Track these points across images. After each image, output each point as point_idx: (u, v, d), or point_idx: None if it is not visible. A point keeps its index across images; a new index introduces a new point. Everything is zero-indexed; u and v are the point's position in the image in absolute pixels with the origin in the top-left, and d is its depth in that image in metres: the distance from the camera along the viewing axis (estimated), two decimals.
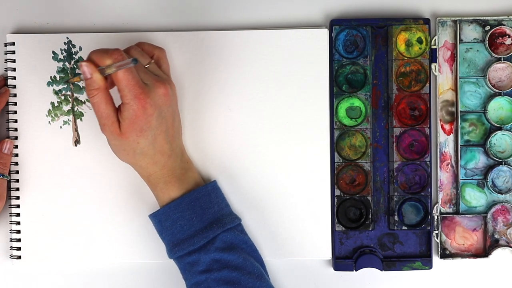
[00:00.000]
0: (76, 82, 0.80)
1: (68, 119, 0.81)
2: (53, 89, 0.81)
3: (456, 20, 0.82)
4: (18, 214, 0.81)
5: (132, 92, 0.70)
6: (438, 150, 0.82)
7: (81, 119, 0.81)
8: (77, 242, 0.81)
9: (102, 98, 0.71)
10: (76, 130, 0.81)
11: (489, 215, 0.82)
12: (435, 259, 0.82)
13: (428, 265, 0.82)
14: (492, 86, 0.82)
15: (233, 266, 0.73)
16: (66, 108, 0.81)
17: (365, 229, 0.81)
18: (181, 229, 0.74)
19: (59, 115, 0.81)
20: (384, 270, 0.82)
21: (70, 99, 0.81)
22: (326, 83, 0.81)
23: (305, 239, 0.81)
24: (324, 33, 0.81)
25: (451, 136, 0.82)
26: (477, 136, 0.82)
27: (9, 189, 0.81)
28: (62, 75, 0.81)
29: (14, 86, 0.81)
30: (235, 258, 0.73)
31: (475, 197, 0.83)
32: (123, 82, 0.70)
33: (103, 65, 0.71)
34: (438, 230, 0.82)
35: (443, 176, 0.82)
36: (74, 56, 0.81)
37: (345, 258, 0.82)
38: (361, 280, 0.83)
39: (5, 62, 0.81)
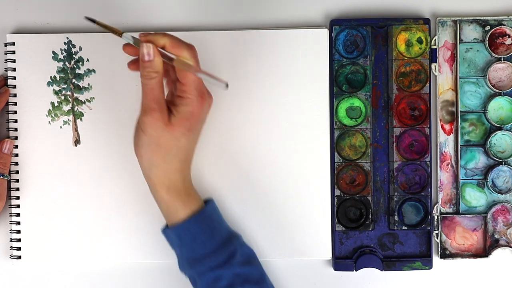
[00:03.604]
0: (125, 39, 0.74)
1: (68, 119, 0.81)
2: (53, 89, 0.81)
3: (456, 20, 0.82)
4: (18, 214, 0.81)
5: (198, 90, 0.70)
6: (438, 150, 0.82)
7: (81, 119, 0.81)
8: (77, 242, 0.81)
9: (159, 83, 0.69)
10: (76, 130, 0.81)
11: (489, 215, 0.82)
12: (435, 259, 0.82)
13: (428, 265, 0.82)
14: (492, 86, 0.82)
15: (254, 280, 0.72)
16: (66, 108, 0.81)
17: (365, 229, 0.81)
18: (203, 244, 0.72)
19: (59, 115, 0.81)
20: (384, 270, 0.82)
21: (70, 99, 0.81)
22: (326, 83, 0.81)
23: (305, 239, 0.81)
24: (324, 33, 0.81)
25: (451, 136, 0.82)
26: (477, 136, 0.82)
27: (9, 189, 0.81)
28: (62, 75, 0.81)
29: (14, 86, 0.81)
30: (253, 271, 0.73)
31: (475, 197, 0.83)
32: (193, 77, 0.69)
33: (175, 53, 0.69)
34: (438, 230, 0.82)
35: (443, 176, 0.82)
36: (74, 56, 0.81)
37: (345, 258, 0.82)
38: (361, 280, 0.83)
39: (5, 62, 0.81)
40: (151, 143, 0.70)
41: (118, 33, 0.71)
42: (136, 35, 0.72)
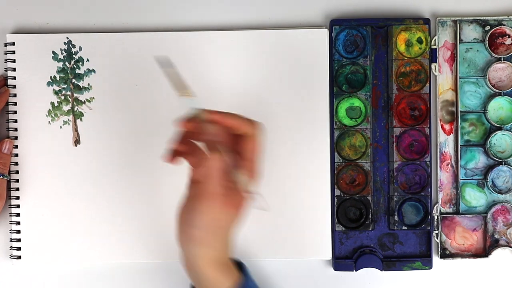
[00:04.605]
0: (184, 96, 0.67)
1: (68, 119, 0.81)
2: (53, 89, 0.81)
3: (456, 20, 0.82)
4: (18, 214, 0.81)
5: (256, 163, 0.66)
6: (438, 150, 0.82)
7: (81, 119, 0.81)
8: (77, 242, 0.81)
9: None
10: (76, 130, 0.81)
11: (489, 215, 0.82)
12: (435, 259, 0.82)
13: (428, 265, 0.82)
14: (492, 86, 0.82)
15: None
16: (66, 108, 0.81)
17: (365, 229, 0.81)
18: None
19: (59, 115, 0.81)
20: (384, 270, 0.82)
21: (70, 99, 0.81)
22: (326, 83, 0.81)
23: (305, 239, 0.81)
24: (324, 33, 0.81)
25: (451, 136, 0.82)
26: (477, 136, 0.82)
27: (9, 189, 0.81)
28: (62, 75, 0.81)
29: (14, 86, 0.81)
30: None
31: (475, 197, 0.83)
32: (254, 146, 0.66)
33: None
34: (438, 230, 0.82)
35: (443, 176, 0.82)
36: (74, 56, 0.81)
37: (345, 258, 0.82)
38: (361, 280, 0.83)
39: (5, 62, 0.81)
40: (211, 225, 0.65)
41: (186, 93, 0.64)
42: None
